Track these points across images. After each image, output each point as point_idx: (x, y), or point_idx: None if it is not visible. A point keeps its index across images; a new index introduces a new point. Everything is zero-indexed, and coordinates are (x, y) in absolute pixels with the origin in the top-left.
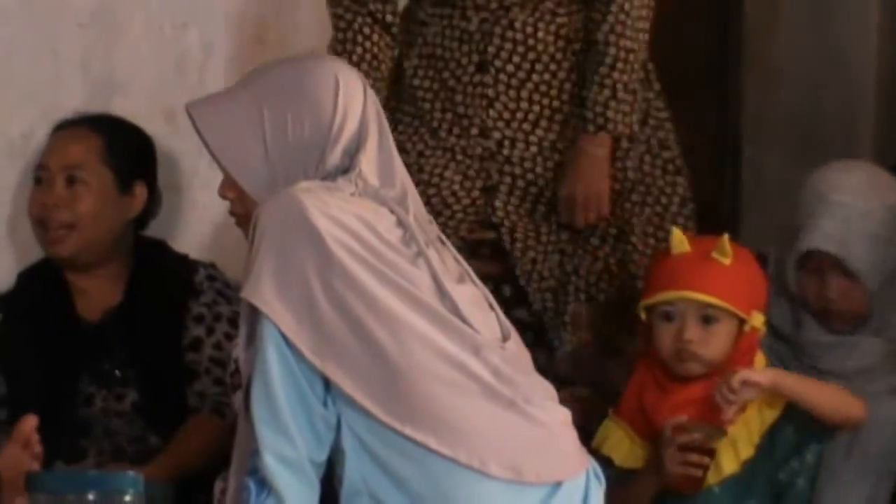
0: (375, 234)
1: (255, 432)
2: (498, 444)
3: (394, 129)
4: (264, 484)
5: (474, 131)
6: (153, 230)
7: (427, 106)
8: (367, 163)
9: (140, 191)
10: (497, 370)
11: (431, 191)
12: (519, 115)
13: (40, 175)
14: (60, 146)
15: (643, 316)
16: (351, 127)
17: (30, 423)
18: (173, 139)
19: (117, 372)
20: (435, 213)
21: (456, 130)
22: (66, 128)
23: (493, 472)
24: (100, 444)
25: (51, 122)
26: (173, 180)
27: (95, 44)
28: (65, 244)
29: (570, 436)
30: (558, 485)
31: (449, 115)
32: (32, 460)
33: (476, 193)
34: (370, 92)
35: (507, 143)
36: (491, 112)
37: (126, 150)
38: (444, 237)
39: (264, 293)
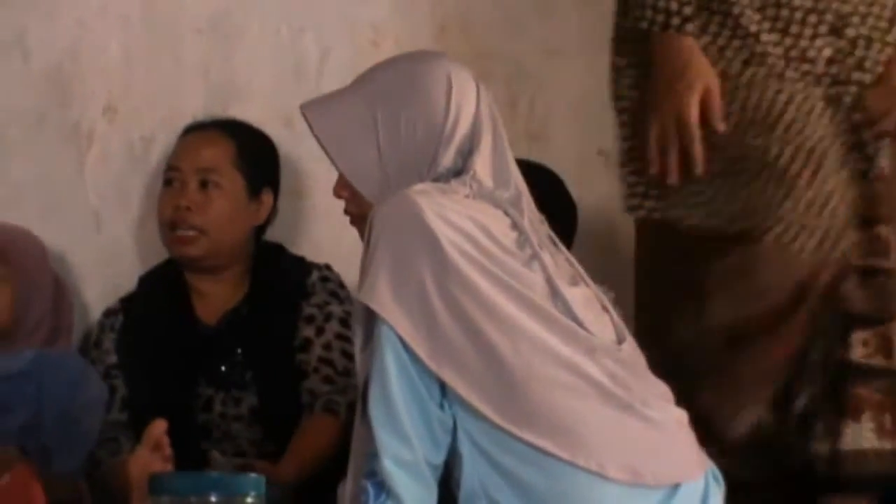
0: (490, 236)
1: (372, 435)
2: (615, 446)
3: None
4: (382, 487)
5: None
6: (272, 235)
7: None
8: (482, 164)
9: (267, 197)
10: (612, 372)
11: None
12: None
13: (171, 177)
14: (193, 149)
15: None
16: (464, 127)
17: (159, 426)
18: (291, 144)
19: (235, 375)
20: None
21: None
22: (198, 131)
23: (611, 474)
24: (220, 447)
25: (171, 128)
26: (291, 185)
27: (214, 49)
28: (194, 246)
29: (688, 437)
30: (676, 487)
31: None
32: (162, 463)
33: None
34: (483, 91)
35: None
36: None
37: (256, 156)
38: (555, 237)
39: (381, 297)
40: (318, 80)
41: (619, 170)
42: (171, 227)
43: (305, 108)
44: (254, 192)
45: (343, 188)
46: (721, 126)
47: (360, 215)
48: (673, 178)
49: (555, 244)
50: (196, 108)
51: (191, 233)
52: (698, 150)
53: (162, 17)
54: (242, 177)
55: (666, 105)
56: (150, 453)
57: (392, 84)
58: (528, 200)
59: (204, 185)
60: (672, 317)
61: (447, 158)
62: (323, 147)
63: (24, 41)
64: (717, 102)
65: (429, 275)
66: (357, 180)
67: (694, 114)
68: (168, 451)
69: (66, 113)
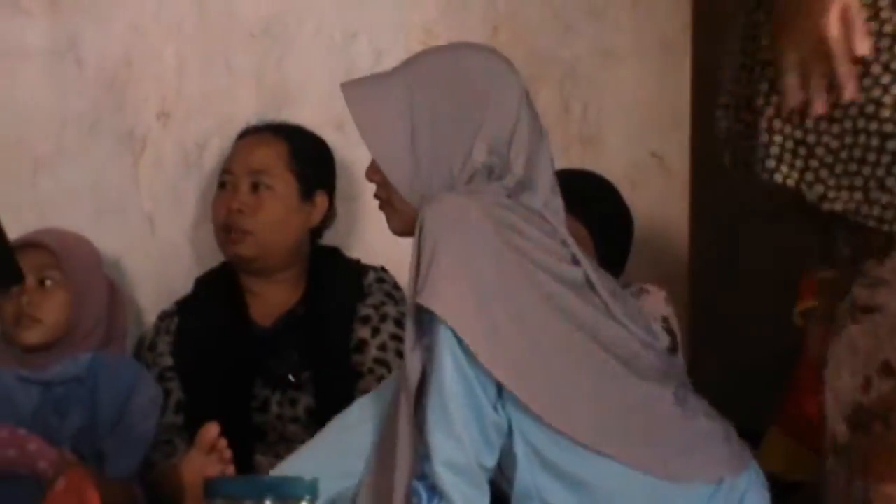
0: (537, 239)
1: (425, 436)
2: (667, 445)
3: None
4: (434, 489)
5: None
6: (326, 238)
7: None
8: (522, 164)
9: (321, 200)
10: (662, 373)
11: None
12: None
13: (225, 179)
14: (246, 151)
15: (799, 321)
16: (499, 122)
17: (212, 429)
18: (344, 148)
19: (291, 377)
20: None
21: None
22: (252, 134)
23: (662, 473)
24: (276, 450)
25: (224, 133)
26: (345, 189)
27: (267, 54)
28: (245, 247)
29: (731, 432)
30: (720, 483)
31: None
32: (218, 465)
33: None
34: (522, 86)
35: None
36: None
37: (310, 158)
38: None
39: (440, 298)
40: None
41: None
42: (224, 229)
43: (345, 88)
44: (307, 194)
45: (375, 172)
46: (864, 46)
47: (387, 201)
48: (819, 107)
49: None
50: (249, 112)
51: (242, 235)
52: (847, 70)
53: (215, 23)
54: (295, 179)
55: (800, 24)
56: (204, 456)
57: (433, 73)
58: (560, 204)
59: (256, 187)
60: None
61: (481, 153)
62: (359, 129)
63: (79, 47)
64: (858, 18)
65: (487, 277)
66: (387, 165)
67: (837, 29)
68: (227, 453)
69: (120, 118)
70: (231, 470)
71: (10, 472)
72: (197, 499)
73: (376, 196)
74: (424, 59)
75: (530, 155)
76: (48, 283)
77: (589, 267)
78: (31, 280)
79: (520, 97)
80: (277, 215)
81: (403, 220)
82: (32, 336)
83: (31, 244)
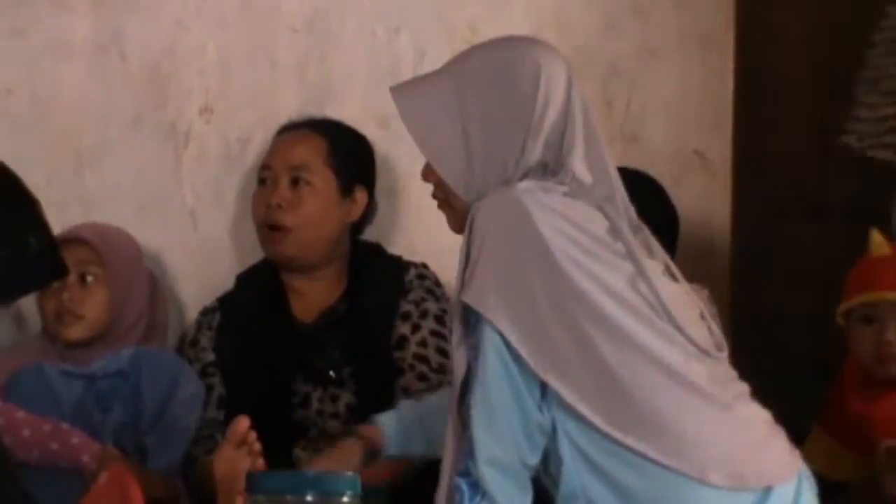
0: (591, 237)
1: (469, 434)
2: (716, 450)
3: None
4: (477, 487)
5: None
6: (368, 234)
7: None
8: (578, 159)
9: (360, 195)
10: (711, 376)
11: None
12: None
13: (265, 176)
14: (285, 147)
15: (842, 321)
16: (552, 117)
17: (243, 423)
18: (387, 144)
19: (332, 373)
20: None
21: None
22: (291, 130)
23: (711, 479)
24: (316, 446)
25: (267, 128)
26: (387, 185)
27: (310, 50)
28: (285, 244)
29: (780, 437)
30: (770, 488)
31: None
32: (248, 459)
33: None
34: (574, 80)
35: None
36: None
37: (349, 154)
38: (652, 240)
39: (487, 298)
40: None
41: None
42: (263, 226)
43: (395, 91)
44: (346, 189)
45: (430, 173)
46: None
47: (445, 201)
48: None
49: (646, 244)
50: (292, 108)
51: (282, 231)
52: None
53: (258, 18)
54: (334, 174)
55: None
56: (235, 450)
57: (481, 71)
58: (622, 197)
59: (295, 182)
60: None
61: (536, 150)
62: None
63: (122, 41)
64: None
65: (536, 277)
66: (441, 167)
67: None
68: (256, 446)
69: (163, 113)
70: (261, 463)
71: (53, 466)
72: (228, 492)
73: (434, 196)
74: (472, 57)
75: (585, 148)
76: (89, 279)
77: (647, 266)
78: (72, 276)
79: (568, 89)
80: (317, 211)
81: (461, 219)
82: (74, 332)
83: (73, 239)
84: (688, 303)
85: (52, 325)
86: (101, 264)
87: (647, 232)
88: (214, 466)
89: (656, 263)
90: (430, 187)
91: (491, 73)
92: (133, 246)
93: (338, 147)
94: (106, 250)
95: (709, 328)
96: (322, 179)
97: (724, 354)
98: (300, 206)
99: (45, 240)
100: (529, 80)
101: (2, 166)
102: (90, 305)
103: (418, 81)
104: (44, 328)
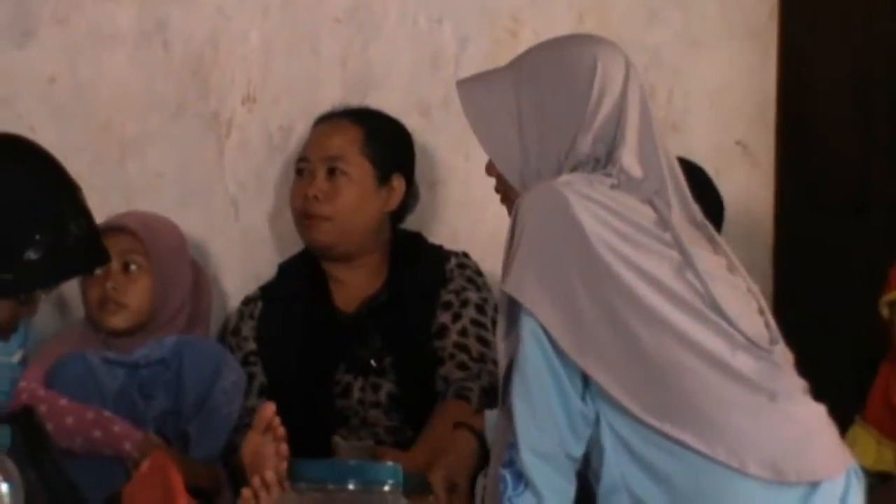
0: (634, 226)
1: (512, 425)
2: (757, 441)
3: None
4: (521, 478)
5: None
6: (409, 224)
7: None
8: (628, 154)
9: (398, 183)
10: (757, 368)
11: None
12: None
13: (302, 167)
14: (321, 138)
15: (885, 312)
16: (606, 111)
17: (269, 409)
18: (428, 134)
19: (373, 362)
20: None
21: None
22: (327, 120)
23: (751, 470)
24: (357, 435)
25: (309, 117)
26: (428, 175)
27: (352, 39)
28: (323, 234)
29: (831, 433)
30: (816, 484)
31: None
32: (273, 444)
33: None
34: (634, 75)
35: None
36: None
37: (385, 142)
38: (712, 230)
39: (527, 288)
40: (456, 71)
41: None
42: (302, 216)
43: (459, 85)
44: (383, 178)
45: (492, 168)
46: None
47: (505, 195)
48: None
49: (711, 239)
50: (334, 97)
51: (320, 221)
52: None
53: (301, 7)
54: (370, 164)
55: None
56: (260, 435)
57: (539, 65)
58: (678, 189)
59: (332, 173)
60: None
61: (585, 145)
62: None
63: (165, 30)
64: None
65: (575, 268)
66: (499, 161)
67: None
68: (280, 431)
69: (205, 102)
70: (284, 448)
71: (96, 453)
72: (254, 476)
73: (496, 190)
74: (533, 52)
75: (639, 143)
76: (133, 267)
77: (696, 257)
78: (115, 264)
79: (625, 84)
80: (354, 201)
81: None
82: (117, 321)
83: (117, 228)
84: (745, 296)
85: (95, 313)
86: (144, 253)
87: (711, 229)
88: (242, 451)
89: (718, 258)
90: (469, 174)
91: (548, 68)
92: (177, 234)
93: (374, 136)
94: (150, 239)
95: (765, 323)
96: (358, 169)
97: (778, 348)
98: (337, 196)
99: (87, 226)
100: (585, 74)
101: (43, 153)
102: (133, 294)
103: (481, 76)
104: (87, 316)
